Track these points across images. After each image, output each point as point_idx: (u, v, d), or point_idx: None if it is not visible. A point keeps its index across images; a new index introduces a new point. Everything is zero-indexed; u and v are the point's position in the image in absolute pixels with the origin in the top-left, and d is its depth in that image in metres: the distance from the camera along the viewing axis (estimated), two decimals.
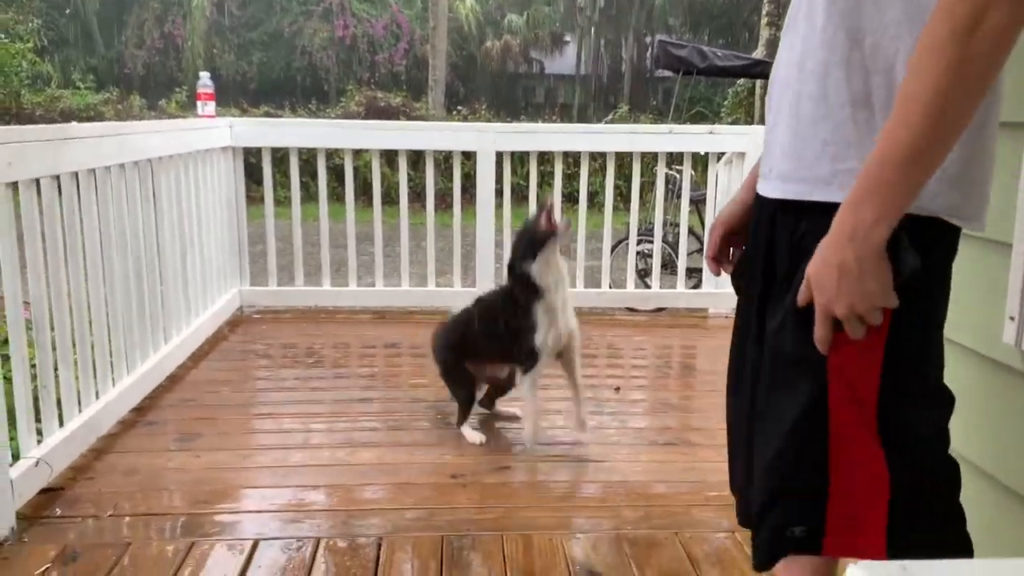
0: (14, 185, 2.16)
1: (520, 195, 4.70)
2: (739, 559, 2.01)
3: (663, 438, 2.84)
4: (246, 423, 2.90)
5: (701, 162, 4.96)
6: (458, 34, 23.37)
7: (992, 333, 1.44)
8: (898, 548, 1.04)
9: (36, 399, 2.28)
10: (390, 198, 4.58)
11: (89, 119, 13.21)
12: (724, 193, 4.37)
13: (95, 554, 1.97)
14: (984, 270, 1.46)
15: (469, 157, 4.37)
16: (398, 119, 13.14)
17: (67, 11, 22.29)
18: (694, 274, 5.08)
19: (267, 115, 14.39)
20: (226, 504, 2.27)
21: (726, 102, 16.03)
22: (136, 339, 2.95)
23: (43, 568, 1.91)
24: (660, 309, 4.56)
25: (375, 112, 14.41)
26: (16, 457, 2.18)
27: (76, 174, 2.52)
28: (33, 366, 2.28)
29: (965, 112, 0.93)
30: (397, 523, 2.17)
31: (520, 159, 7.17)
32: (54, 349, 2.37)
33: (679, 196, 4.93)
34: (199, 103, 4.09)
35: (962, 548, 1.10)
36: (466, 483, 2.43)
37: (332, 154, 5.27)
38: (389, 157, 5.61)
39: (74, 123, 3.02)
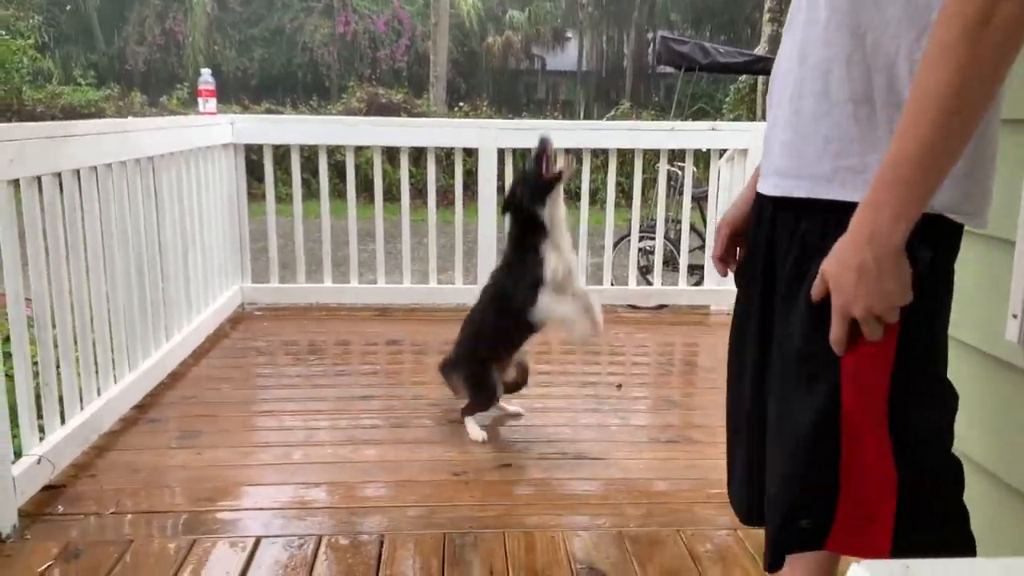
0: (15, 182, 2.16)
1: None
2: (741, 556, 2.01)
3: (665, 435, 2.84)
4: (248, 420, 2.90)
5: (703, 159, 4.96)
6: (459, 30, 23.34)
7: (995, 331, 1.43)
8: (902, 547, 1.04)
9: (38, 396, 2.28)
10: (392, 195, 4.58)
11: (90, 116, 13.21)
12: (726, 190, 4.36)
13: (97, 551, 1.98)
14: (987, 267, 1.45)
15: (471, 154, 4.37)
16: (399, 116, 13.14)
17: (68, 7, 22.28)
18: (696, 271, 5.08)
19: (268, 112, 14.39)
20: (228, 501, 2.27)
21: (728, 99, 15.99)
22: (137, 336, 2.95)
23: (45, 565, 1.91)
24: (662, 306, 4.56)
25: (376, 109, 14.40)
26: (18, 454, 2.18)
27: (77, 171, 2.52)
28: (35, 363, 2.28)
29: (980, 107, 0.93)
30: (399, 520, 2.17)
31: (522, 156, 7.14)
32: (56, 346, 2.38)
33: (681, 193, 4.92)
34: (200, 100, 4.09)
35: (965, 547, 1.10)
36: (468, 480, 2.43)
37: (333, 151, 5.27)
38: (391, 154, 5.59)
39: (76, 120, 3.01)
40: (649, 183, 5.46)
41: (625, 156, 4.84)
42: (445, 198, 5.13)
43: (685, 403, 3.24)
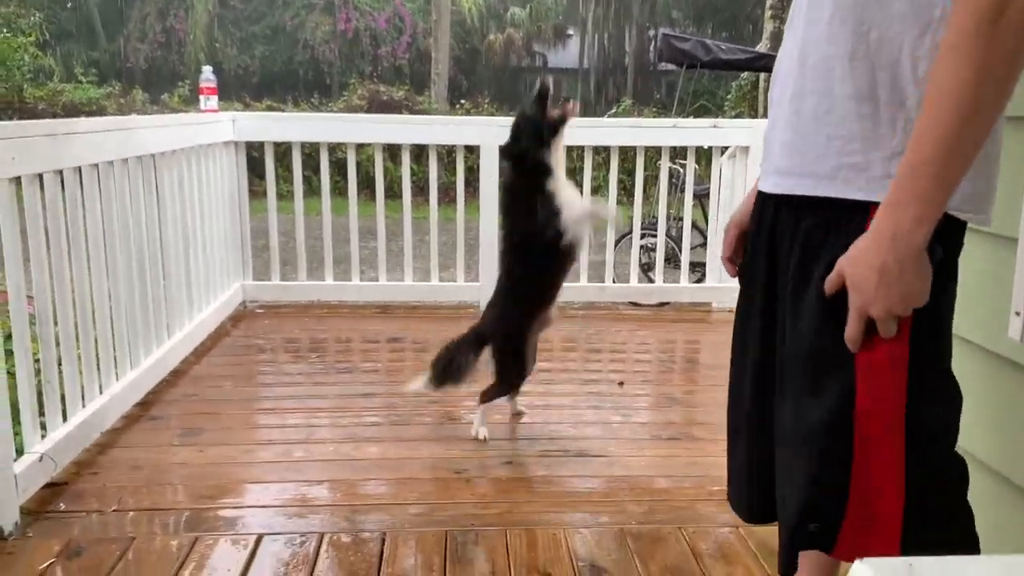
0: (17, 180, 2.16)
1: None
2: (743, 553, 2.01)
3: (666, 433, 2.84)
4: (249, 418, 2.90)
5: (705, 156, 4.95)
6: (461, 27, 23.31)
7: (998, 328, 1.43)
8: (908, 546, 1.03)
9: (40, 394, 2.28)
10: (393, 192, 4.57)
11: (91, 113, 13.20)
12: (728, 187, 4.35)
13: (99, 549, 1.98)
14: (989, 265, 1.45)
15: (472, 151, 4.36)
16: (401, 113, 13.13)
17: (69, 5, 22.27)
18: (698, 268, 5.07)
19: (270, 109, 14.37)
20: (230, 499, 2.27)
21: (730, 96, 15.96)
22: (139, 334, 2.95)
23: (47, 563, 1.91)
24: (664, 304, 4.56)
25: (378, 106, 14.39)
26: (20, 452, 2.18)
27: (79, 169, 2.52)
28: (37, 361, 2.28)
29: (997, 103, 0.92)
30: (401, 518, 2.17)
31: None
32: (57, 344, 2.38)
33: (682, 190, 4.92)
34: (201, 97, 4.09)
35: (970, 547, 1.10)
36: (469, 478, 2.43)
37: (335, 148, 5.27)
38: (392, 151, 5.60)
39: (78, 118, 3.01)
40: (651, 180, 5.46)
41: (627, 153, 4.83)
42: (447, 195, 5.14)
43: (687, 400, 3.23)
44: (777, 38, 11.75)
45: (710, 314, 4.43)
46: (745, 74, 13.97)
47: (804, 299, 1.07)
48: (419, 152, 4.82)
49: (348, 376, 3.34)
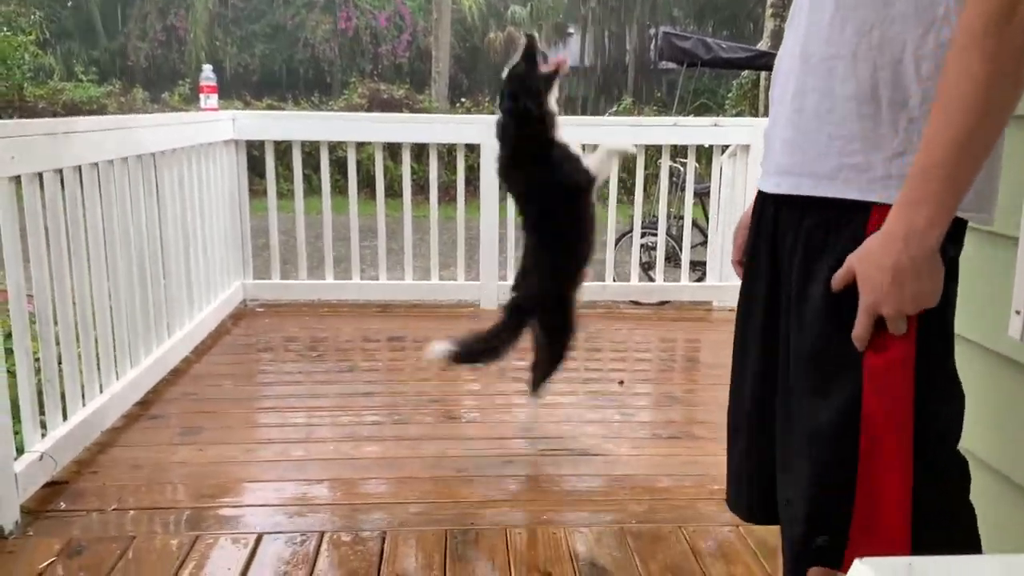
0: (17, 179, 2.16)
1: None
2: (743, 552, 2.01)
3: (667, 431, 2.84)
4: (249, 417, 2.90)
5: (705, 155, 4.94)
6: (461, 26, 23.29)
7: (998, 327, 1.43)
8: (912, 548, 1.03)
9: (40, 393, 2.28)
10: (393, 191, 4.58)
11: (92, 112, 13.19)
12: (728, 186, 4.35)
13: (99, 548, 1.98)
14: (990, 264, 1.45)
15: (473, 150, 4.36)
16: (401, 111, 13.12)
17: (69, 3, 22.26)
18: (698, 267, 5.07)
19: (270, 108, 14.36)
20: (230, 498, 2.27)
21: (730, 94, 15.95)
22: (139, 332, 2.95)
23: (48, 562, 1.91)
24: (664, 302, 4.56)
25: (378, 104, 14.37)
26: (20, 451, 2.18)
27: (79, 168, 2.52)
28: (37, 360, 2.28)
29: (1007, 105, 0.92)
30: (401, 517, 2.17)
31: None
32: (57, 343, 2.38)
33: (683, 189, 4.91)
34: (202, 96, 4.09)
35: (972, 547, 1.10)
36: (469, 477, 2.43)
37: (335, 147, 5.27)
38: (392, 150, 5.60)
39: (78, 117, 3.01)
40: (651, 179, 5.46)
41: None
42: (447, 194, 5.13)
43: (687, 399, 3.23)
44: (778, 36, 11.74)
45: (710, 313, 4.43)
46: (746, 72, 13.96)
47: (808, 299, 1.07)
48: (419, 151, 4.81)
49: (348, 375, 3.34)
